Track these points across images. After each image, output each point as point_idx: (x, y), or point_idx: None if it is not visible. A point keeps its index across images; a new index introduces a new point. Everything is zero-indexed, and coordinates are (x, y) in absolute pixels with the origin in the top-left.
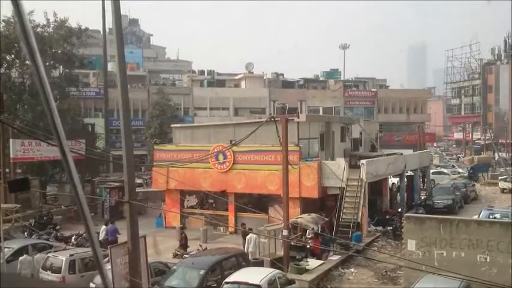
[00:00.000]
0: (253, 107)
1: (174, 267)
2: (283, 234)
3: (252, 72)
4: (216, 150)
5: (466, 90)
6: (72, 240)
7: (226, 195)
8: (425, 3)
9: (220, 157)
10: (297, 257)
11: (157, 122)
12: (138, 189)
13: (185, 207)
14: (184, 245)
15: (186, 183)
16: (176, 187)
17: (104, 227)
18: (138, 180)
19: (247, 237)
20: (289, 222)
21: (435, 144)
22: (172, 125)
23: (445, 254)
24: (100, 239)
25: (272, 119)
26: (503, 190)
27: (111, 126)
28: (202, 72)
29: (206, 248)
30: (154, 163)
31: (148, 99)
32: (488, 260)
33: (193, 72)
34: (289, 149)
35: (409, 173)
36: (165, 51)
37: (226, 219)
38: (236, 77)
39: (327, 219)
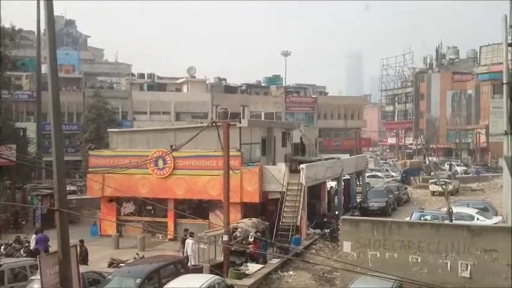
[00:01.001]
0: (196, 112)
1: (109, 276)
2: (224, 239)
3: (195, 77)
4: (155, 155)
5: (400, 97)
6: (1, 249)
7: (165, 202)
8: (363, 14)
9: (160, 162)
10: (237, 262)
11: (93, 126)
12: (71, 197)
13: (122, 214)
14: (84, 259)
15: (123, 189)
16: (112, 194)
17: (34, 236)
18: (72, 187)
19: (186, 242)
20: (229, 227)
21: (371, 149)
22: (109, 130)
23: (378, 255)
24: (31, 248)
25: (214, 124)
26: (433, 193)
27: (43, 131)
28: (142, 76)
29: (143, 256)
30: (89, 169)
31: (84, 103)
32: (419, 260)
33: (133, 75)
34: (230, 154)
35: (346, 176)
36: (103, 53)
37: (166, 226)
38: (178, 81)
39: (267, 223)
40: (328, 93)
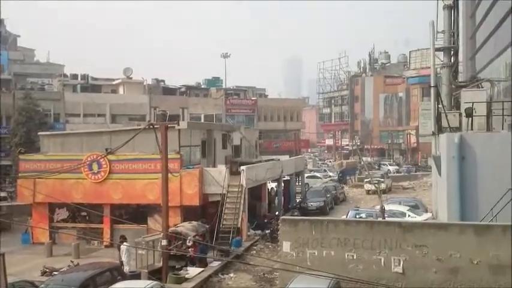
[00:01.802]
0: (133, 114)
1: (42, 285)
2: (162, 244)
3: (131, 78)
4: (89, 159)
5: (336, 100)
6: None
7: (101, 207)
8: (303, 17)
9: (95, 166)
10: (176, 267)
11: (24, 129)
12: (1, 204)
13: (55, 221)
14: None
15: (56, 195)
16: (44, 200)
17: None
18: (2, 194)
19: (121, 248)
20: (168, 231)
21: (309, 150)
22: (39, 133)
23: (316, 254)
24: None
25: (151, 126)
26: (368, 191)
27: None
28: (75, 77)
29: (78, 264)
30: (20, 174)
31: (13, 105)
32: (355, 257)
33: (65, 76)
34: (169, 156)
35: (286, 177)
36: (34, 53)
37: (102, 233)
38: (114, 82)
39: (207, 226)
40: (268, 95)
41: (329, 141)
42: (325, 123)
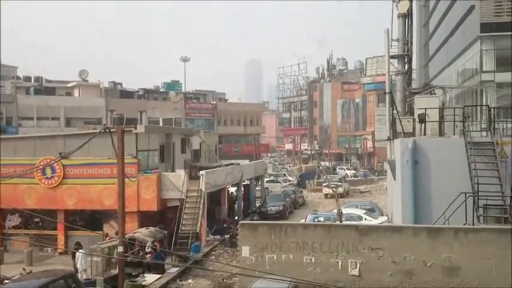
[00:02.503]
0: (88, 118)
1: None
2: (119, 250)
3: (87, 80)
4: (43, 163)
5: (295, 105)
6: None
7: (55, 213)
8: (262, 23)
9: (48, 171)
10: (133, 274)
11: None
12: None
13: (6, 227)
14: None
15: (7, 201)
16: None
17: None
18: None
19: (76, 255)
20: (125, 238)
21: (269, 155)
22: None
23: (275, 258)
24: None
25: (107, 130)
26: (326, 195)
27: None
28: (28, 79)
29: (31, 272)
30: None
31: None
32: (313, 260)
33: (18, 78)
34: (126, 161)
35: (246, 182)
36: None
37: (56, 239)
38: (68, 85)
39: (165, 231)
40: (228, 99)
41: (288, 146)
42: (285, 127)
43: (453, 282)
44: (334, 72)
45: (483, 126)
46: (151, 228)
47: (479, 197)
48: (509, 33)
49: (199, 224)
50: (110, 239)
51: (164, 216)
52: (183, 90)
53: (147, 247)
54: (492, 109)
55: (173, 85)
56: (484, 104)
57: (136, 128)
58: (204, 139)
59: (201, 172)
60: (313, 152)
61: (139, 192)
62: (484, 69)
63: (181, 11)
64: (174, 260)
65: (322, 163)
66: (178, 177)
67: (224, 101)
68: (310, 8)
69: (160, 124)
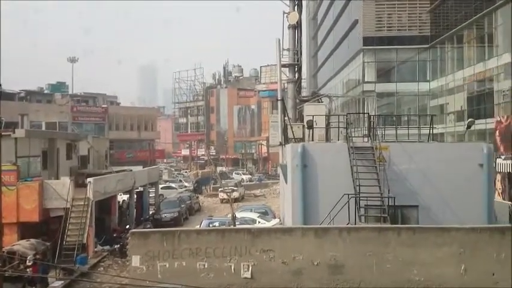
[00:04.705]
0: None
1: None
2: None
3: None
4: None
5: (192, 110)
6: None
7: None
8: (156, 26)
9: None
10: None
11: None
12: None
13: None
14: None
15: None
16: None
17: None
18: None
19: None
20: (3, 251)
21: (165, 161)
22: None
23: (167, 266)
24: None
25: None
26: (222, 200)
27: None
28: None
29: None
30: None
31: None
32: (206, 266)
33: None
34: (4, 168)
35: (140, 189)
36: None
37: None
38: None
39: (48, 243)
40: (120, 103)
41: (185, 152)
42: (181, 133)
43: (338, 280)
44: (231, 78)
45: (365, 132)
46: (33, 240)
47: (361, 198)
48: (389, 46)
49: (86, 235)
50: None
51: (48, 227)
52: (70, 93)
53: (28, 260)
54: (372, 117)
55: (59, 87)
56: (365, 112)
57: (15, 132)
58: (93, 144)
59: (89, 179)
60: (210, 157)
61: (19, 201)
62: (366, 79)
63: (70, 8)
64: (58, 273)
65: (219, 168)
66: (62, 185)
67: (116, 105)
68: (206, 14)
69: (43, 128)
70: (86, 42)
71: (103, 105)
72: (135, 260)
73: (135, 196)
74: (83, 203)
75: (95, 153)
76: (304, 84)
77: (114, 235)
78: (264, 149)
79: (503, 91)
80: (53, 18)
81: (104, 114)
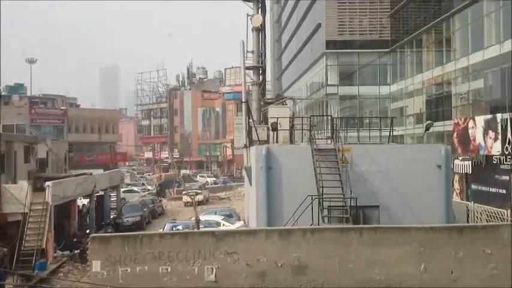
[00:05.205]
0: None
1: None
2: None
3: None
4: None
5: (155, 112)
6: None
7: None
8: (118, 27)
9: None
10: None
11: None
12: None
13: None
14: None
15: None
16: None
17: None
18: None
19: None
20: None
21: (127, 164)
22: None
23: (129, 270)
24: None
25: None
26: (186, 204)
27: None
28: None
29: None
30: None
31: None
32: (169, 270)
33: None
34: None
35: (100, 192)
36: None
37: None
38: None
39: (5, 249)
40: (80, 105)
41: (148, 154)
42: (144, 135)
43: (302, 281)
44: (195, 80)
45: (328, 134)
46: None
47: (324, 199)
48: (351, 50)
49: (45, 240)
50: None
51: (5, 232)
52: (28, 94)
53: None
54: (335, 119)
55: (17, 88)
56: (328, 114)
57: None
58: (52, 147)
59: (47, 183)
60: (173, 160)
61: None
62: (329, 82)
63: (32, 7)
64: (16, 280)
65: (183, 171)
66: (20, 189)
67: (76, 107)
68: (172, 15)
69: (0, 131)
70: (46, 42)
71: (62, 107)
72: (96, 265)
73: (96, 200)
74: (41, 208)
75: (53, 156)
76: (268, 86)
77: (74, 240)
78: (229, 151)
79: (461, 94)
80: (11, 17)
81: (63, 117)
